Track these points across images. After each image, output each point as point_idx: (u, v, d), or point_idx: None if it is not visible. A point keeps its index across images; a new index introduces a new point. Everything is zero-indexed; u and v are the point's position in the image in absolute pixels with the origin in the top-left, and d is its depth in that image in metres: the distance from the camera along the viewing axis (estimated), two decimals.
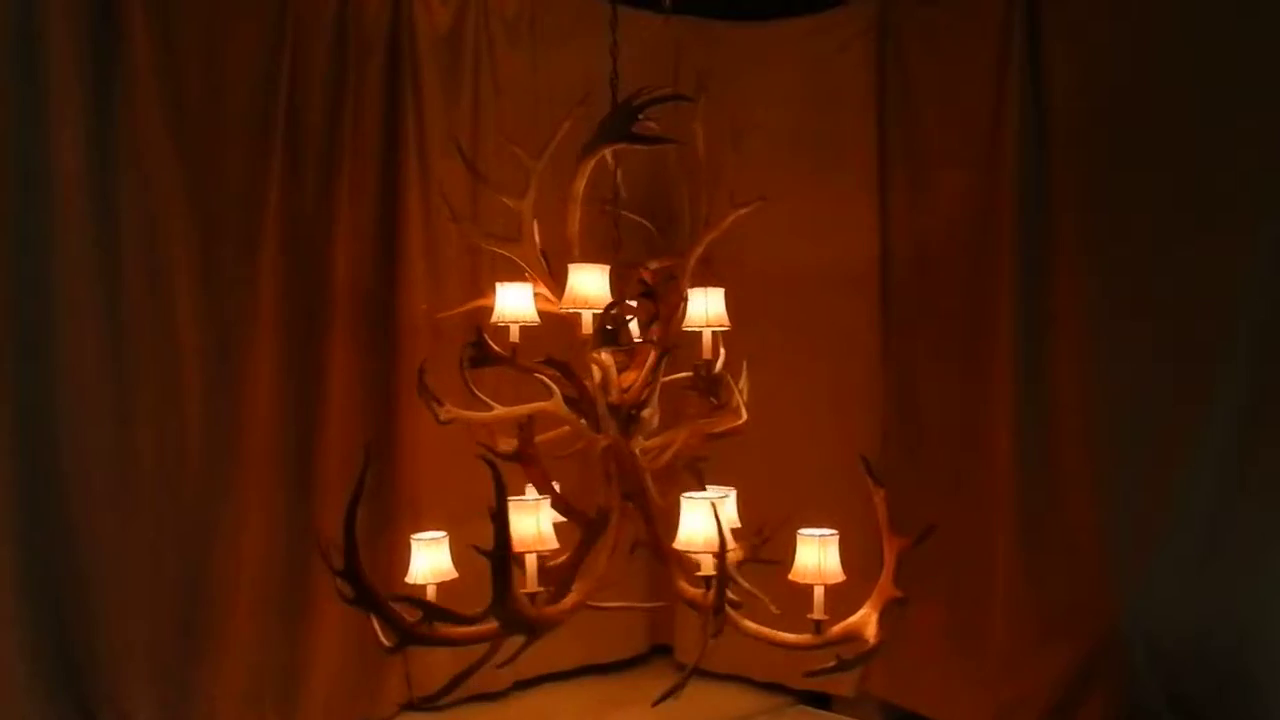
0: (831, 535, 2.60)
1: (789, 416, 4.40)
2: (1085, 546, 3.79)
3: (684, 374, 2.84)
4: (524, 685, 4.56)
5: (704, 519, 2.44)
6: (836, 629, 2.49)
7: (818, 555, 2.57)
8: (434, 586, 2.63)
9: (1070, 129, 3.89)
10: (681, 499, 2.56)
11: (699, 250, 2.79)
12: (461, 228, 3.60)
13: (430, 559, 2.67)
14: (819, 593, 2.54)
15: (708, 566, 2.48)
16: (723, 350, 2.84)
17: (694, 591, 2.54)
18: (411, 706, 4.28)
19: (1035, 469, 3.92)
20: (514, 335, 2.75)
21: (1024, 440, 3.93)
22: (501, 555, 2.19)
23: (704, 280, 2.86)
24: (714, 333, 2.81)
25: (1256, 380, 3.50)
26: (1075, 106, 3.88)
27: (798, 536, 2.63)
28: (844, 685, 4.40)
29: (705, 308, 2.80)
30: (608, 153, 2.77)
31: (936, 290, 4.29)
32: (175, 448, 3.77)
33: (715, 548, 2.37)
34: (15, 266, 3.48)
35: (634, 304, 2.76)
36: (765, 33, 4.79)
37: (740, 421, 2.73)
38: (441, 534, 2.72)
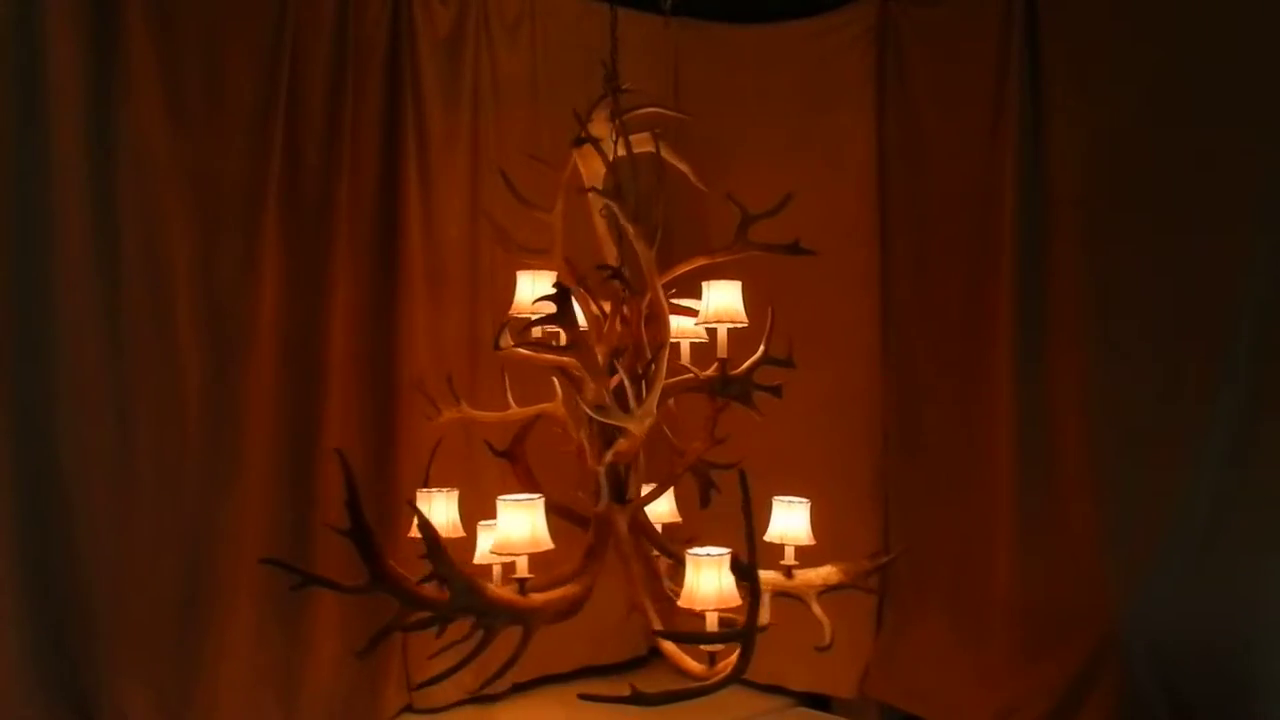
0: (718, 555, 2.39)
1: (789, 417, 4.38)
2: (1085, 548, 3.79)
3: (686, 375, 2.85)
4: (522, 687, 4.54)
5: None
6: (721, 665, 2.42)
7: (694, 577, 2.39)
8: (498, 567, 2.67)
9: (1070, 129, 3.88)
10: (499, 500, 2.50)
11: (652, 253, 2.64)
12: (501, 243, 3.60)
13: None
14: (710, 619, 2.40)
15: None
16: (762, 347, 2.82)
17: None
18: (411, 709, 4.28)
19: (1035, 469, 3.92)
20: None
21: (1024, 440, 3.93)
22: (359, 531, 2.17)
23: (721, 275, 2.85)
24: (765, 330, 2.82)
25: (1256, 380, 3.49)
26: (1075, 106, 3.88)
27: (686, 556, 2.45)
28: (844, 687, 4.39)
29: (709, 303, 2.76)
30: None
31: (936, 290, 4.29)
32: (175, 448, 3.76)
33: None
34: (15, 266, 3.47)
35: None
36: (765, 34, 4.79)
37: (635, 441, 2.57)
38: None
